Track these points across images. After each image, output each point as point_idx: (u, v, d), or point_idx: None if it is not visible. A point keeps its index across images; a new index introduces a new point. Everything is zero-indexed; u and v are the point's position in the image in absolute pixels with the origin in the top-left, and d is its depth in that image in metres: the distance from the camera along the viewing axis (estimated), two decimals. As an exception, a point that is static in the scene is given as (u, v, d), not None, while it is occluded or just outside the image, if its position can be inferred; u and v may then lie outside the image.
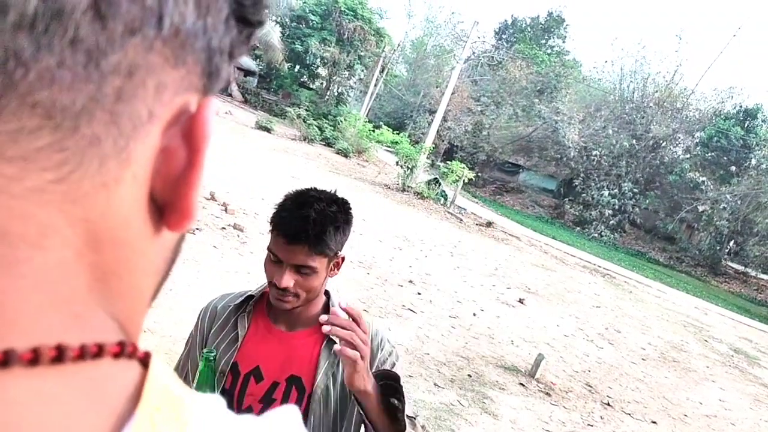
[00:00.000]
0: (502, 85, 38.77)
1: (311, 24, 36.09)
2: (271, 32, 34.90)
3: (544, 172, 39.98)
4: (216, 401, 0.33)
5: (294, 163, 17.95)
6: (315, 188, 1.42)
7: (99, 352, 0.27)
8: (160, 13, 0.26)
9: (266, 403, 1.39)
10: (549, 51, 45.65)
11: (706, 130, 35.63)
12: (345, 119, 27.88)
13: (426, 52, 46.80)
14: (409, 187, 19.45)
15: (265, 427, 0.33)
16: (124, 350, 0.29)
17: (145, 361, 0.30)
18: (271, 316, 1.46)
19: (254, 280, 6.36)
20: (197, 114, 0.30)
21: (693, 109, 38.63)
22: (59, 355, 0.25)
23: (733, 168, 33.46)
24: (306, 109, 30.18)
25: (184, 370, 1.52)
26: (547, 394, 6.23)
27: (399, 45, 40.03)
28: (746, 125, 34.35)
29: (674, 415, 6.82)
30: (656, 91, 37.85)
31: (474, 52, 38.65)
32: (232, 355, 1.42)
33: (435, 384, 5.53)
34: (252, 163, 14.87)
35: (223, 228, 7.82)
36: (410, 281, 8.82)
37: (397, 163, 20.65)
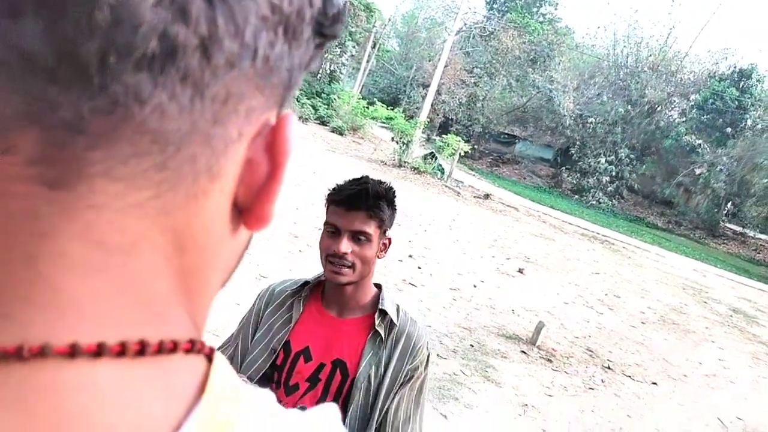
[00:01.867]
0: (495, 56, 38.50)
1: (299, 2, 35.47)
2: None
3: (540, 142, 39.91)
4: (268, 396, 0.36)
5: (289, 144, 17.92)
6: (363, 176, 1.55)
7: (174, 347, 0.30)
8: (255, 47, 0.29)
9: (312, 382, 1.46)
10: (541, 19, 45.19)
11: (701, 92, 35.52)
12: (339, 97, 27.76)
13: (417, 25, 46.40)
14: (405, 162, 19.45)
15: (308, 425, 0.37)
16: (194, 347, 0.32)
17: (210, 356, 0.33)
18: (324, 301, 1.55)
19: (255, 260, 6.42)
20: (279, 128, 0.34)
21: (687, 72, 38.44)
22: (141, 349, 0.28)
23: (729, 130, 33.44)
24: (299, 89, 29.96)
25: (231, 348, 1.60)
26: (549, 360, 6.33)
27: (389, 19, 39.67)
28: (741, 86, 34.24)
29: (674, 376, 6.95)
30: (650, 55, 37.63)
31: (465, 24, 38.30)
32: (285, 334, 1.51)
33: (438, 355, 5.62)
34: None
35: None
36: (410, 255, 8.90)
37: (392, 138, 20.62)
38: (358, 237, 1.45)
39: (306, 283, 1.60)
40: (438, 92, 32.70)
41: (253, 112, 0.32)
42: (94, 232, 0.28)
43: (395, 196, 1.55)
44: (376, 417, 1.47)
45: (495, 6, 47.92)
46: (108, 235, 0.28)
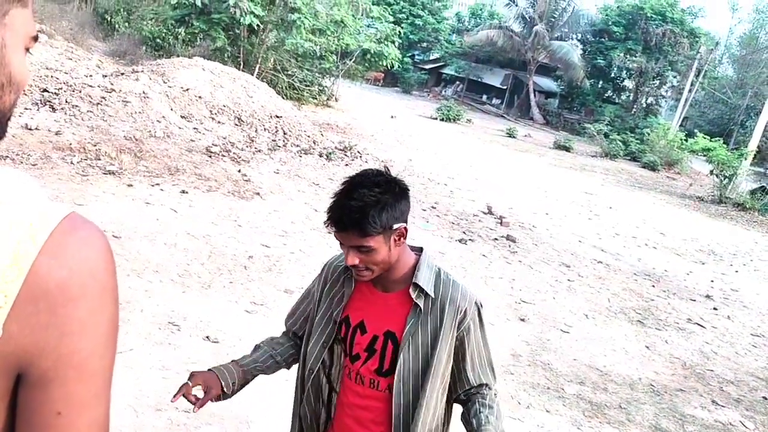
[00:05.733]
0: None
1: (614, 36, 34.65)
2: (570, 51, 34.51)
3: None
4: None
5: (590, 180, 17.44)
6: (365, 172, 1.55)
7: None
8: None
9: (369, 352, 1.62)
10: None
11: None
12: (652, 131, 25.96)
13: (757, 45, 40.84)
14: (727, 198, 17.21)
15: None
16: None
17: None
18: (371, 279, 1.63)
19: (518, 285, 6.52)
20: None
21: None
22: None
23: None
24: (608, 124, 28.94)
25: (297, 313, 1.82)
26: None
27: (717, 44, 35.78)
28: None
29: None
30: None
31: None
32: (342, 308, 1.67)
33: (713, 401, 4.94)
34: (543, 181, 14.95)
35: (495, 239, 8.13)
36: (707, 296, 7.91)
37: (711, 172, 18.46)
38: (360, 249, 1.48)
39: None
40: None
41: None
42: None
43: (394, 190, 1.50)
44: (438, 381, 1.58)
45: None
46: None
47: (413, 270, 1.61)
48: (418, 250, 1.68)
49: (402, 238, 1.54)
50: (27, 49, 0.66)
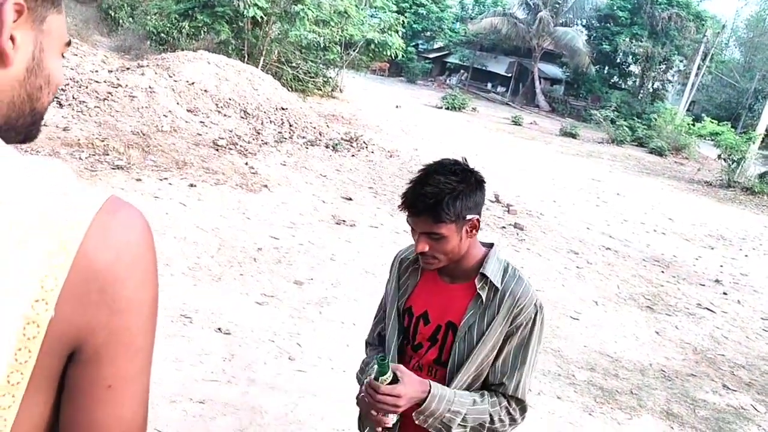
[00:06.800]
0: None
1: (619, 21, 34.43)
2: (575, 37, 34.28)
3: None
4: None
5: (597, 166, 17.37)
6: (442, 161, 1.55)
7: None
8: None
9: (432, 341, 1.62)
10: None
11: None
12: (659, 116, 25.79)
13: (764, 28, 40.45)
14: (735, 182, 17.11)
15: (35, 170, 0.59)
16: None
17: None
18: (438, 270, 1.64)
19: (526, 273, 6.51)
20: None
21: None
22: None
23: None
24: (615, 110, 28.79)
25: (382, 312, 1.83)
26: None
27: (724, 27, 35.42)
28: None
29: None
30: None
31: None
32: (407, 299, 1.70)
33: (724, 385, 4.94)
34: (550, 168, 14.90)
35: (503, 227, 8.12)
36: (717, 281, 7.89)
37: (719, 156, 18.35)
38: (432, 236, 1.49)
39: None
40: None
41: None
42: None
43: (470, 180, 1.50)
44: (473, 367, 1.57)
45: None
46: None
47: (481, 263, 1.60)
48: (489, 246, 1.67)
49: (474, 230, 1.55)
50: (61, 54, 0.69)
